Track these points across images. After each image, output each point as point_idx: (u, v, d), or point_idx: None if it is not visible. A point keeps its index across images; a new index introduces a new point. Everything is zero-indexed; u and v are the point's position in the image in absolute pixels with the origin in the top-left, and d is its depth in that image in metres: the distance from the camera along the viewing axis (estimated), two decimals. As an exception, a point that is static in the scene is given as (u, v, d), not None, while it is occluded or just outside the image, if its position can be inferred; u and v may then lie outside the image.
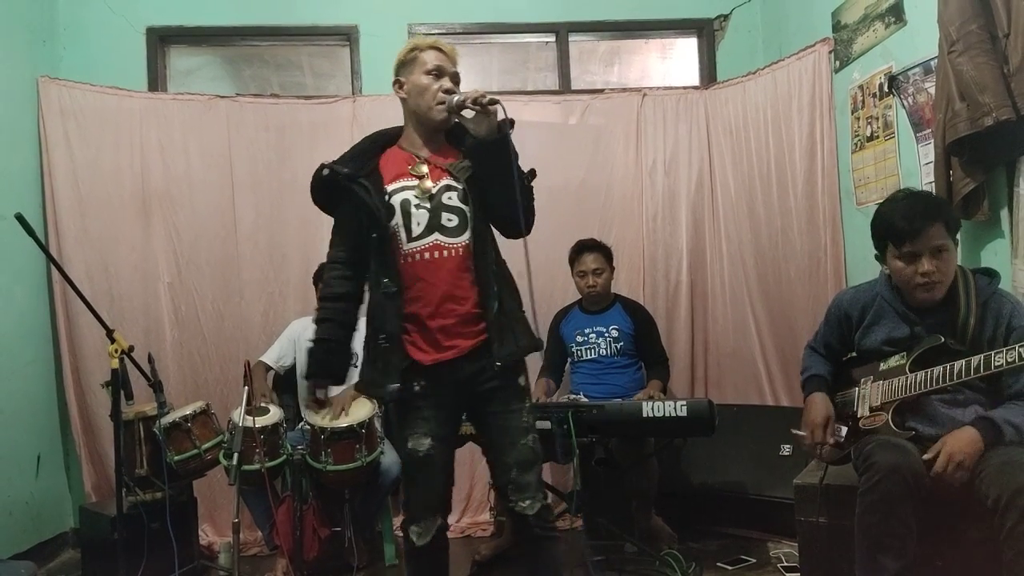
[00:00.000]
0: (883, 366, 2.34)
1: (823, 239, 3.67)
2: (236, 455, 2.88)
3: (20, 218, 2.56)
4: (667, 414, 3.08)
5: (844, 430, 2.39)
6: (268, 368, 3.59)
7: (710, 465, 3.62)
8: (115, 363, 2.66)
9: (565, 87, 4.43)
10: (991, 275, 2.27)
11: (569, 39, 4.46)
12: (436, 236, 2.14)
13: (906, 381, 2.24)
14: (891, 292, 2.34)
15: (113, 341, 2.67)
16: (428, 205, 2.14)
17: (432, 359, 2.13)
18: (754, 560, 3.24)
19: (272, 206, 4.00)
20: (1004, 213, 2.54)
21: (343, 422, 3.10)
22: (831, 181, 3.64)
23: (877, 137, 3.28)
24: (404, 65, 2.22)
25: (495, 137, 2.07)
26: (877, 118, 3.26)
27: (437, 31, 4.30)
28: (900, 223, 2.20)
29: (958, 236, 2.28)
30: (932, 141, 2.76)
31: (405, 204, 2.14)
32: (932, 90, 2.77)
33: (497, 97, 2.07)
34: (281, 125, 4.05)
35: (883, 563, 2.04)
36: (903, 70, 3.03)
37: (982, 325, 2.18)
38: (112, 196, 3.90)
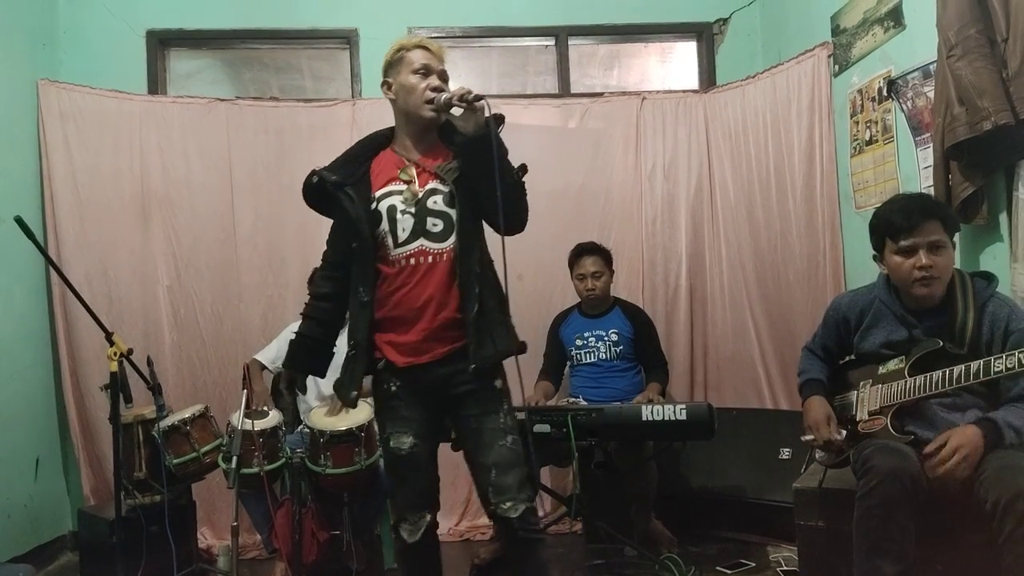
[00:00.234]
0: (882, 370, 2.34)
1: (822, 243, 3.67)
2: (235, 458, 2.88)
3: (19, 221, 2.56)
4: (666, 418, 3.08)
5: (843, 433, 2.39)
6: (263, 367, 3.58)
7: (709, 469, 3.62)
8: (114, 366, 2.67)
9: (564, 91, 4.44)
10: (988, 278, 2.28)
11: (568, 43, 4.47)
12: (422, 241, 2.16)
13: (905, 385, 2.24)
14: (889, 295, 2.35)
15: (112, 344, 2.67)
16: (413, 210, 2.17)
17: (406, 362, 2.17)
18: (753, 564, 3.24)
19: (271, 209, 4.00)
20: (1003, 217, 2.54)
21: (342, 425, 3.10)
22: (830, 185, 3.65)
23: (876, 141, 3.28)
24: (391, 66, 2.24)
25: (481, 133, 2.08)
26: (876, 122, 3.27)
27: (437, 34, 4.30)
28: (897, 218, 2.22)
29: (956, 239, 2.29)
30: (931, 145, 2.76)
31: (391, 211, 2.17)
32: (931, 94, 2.77)
33: (482, 94, 2.08)
34: (281, 128, 4.05)
35: (882, 567, 2.04)
36: (902, 74, 3.03)
37: (980, 328, 2.18)
38: (111, 199, 3.90)
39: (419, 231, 2.16)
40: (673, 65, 4.70)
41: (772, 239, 3.96)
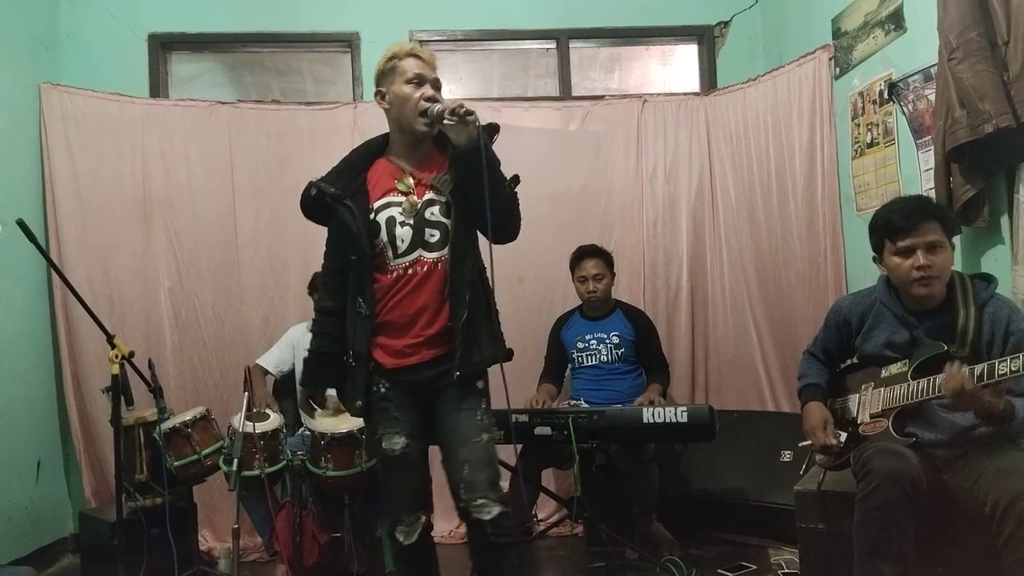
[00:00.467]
0: (884, 373, 2.35)
1: (823, 245, 3.67)
2: (236, 461, 2.89)
3: (21, 224, 2.57)
4: (668, 420, 3.08)
5: (844, 436, 2.39)
6: (266, 372, 3.59)
7: (711, 471, 3.62)
8: (115, 368, 2.67)
9: (566, 93, 4.44)
10: (988, 280, 2.29)
11: (570, 46, 4.47)
12: (420, 252, 2.19)
13: (908, 388, 2.24)
14: (889, 296, 2.35)
15: (113, 347, 2.68)
16: (411, 221, 2.18)
17: (394, 364, 2.20)
18: (755, 566, 3.24)
19: (272, 212, 4.00)
20: (1004, 220, 2.54)
21: (343, 427, 3.10)
22: (831, 187, 3.65)
23: (877, 144, 3.28)
24: (384, 75, 2.24)
25: (473, 146, 2.09)
26: (877, 125, 3.27)
27: (438, 38, 4.32)
28: (896, 219, 2.23)
29: (955, 240, 2.29)
30: (932, 148, 2.76)
31: (390, 222, 2.19)
32: (932, 97, 2.78)
33: (474, 108, 2.10)
34: (282, 131, 4.05)
35: (882, 569, 2.05)
36: (903, 77, 3.04)
37: (980, 329, 2.18)
38: (113, 202, 3.91)
39: (418, 242, 2.19)
40: (674, 68, 4.71)
41: (773, 241, 3.96)
